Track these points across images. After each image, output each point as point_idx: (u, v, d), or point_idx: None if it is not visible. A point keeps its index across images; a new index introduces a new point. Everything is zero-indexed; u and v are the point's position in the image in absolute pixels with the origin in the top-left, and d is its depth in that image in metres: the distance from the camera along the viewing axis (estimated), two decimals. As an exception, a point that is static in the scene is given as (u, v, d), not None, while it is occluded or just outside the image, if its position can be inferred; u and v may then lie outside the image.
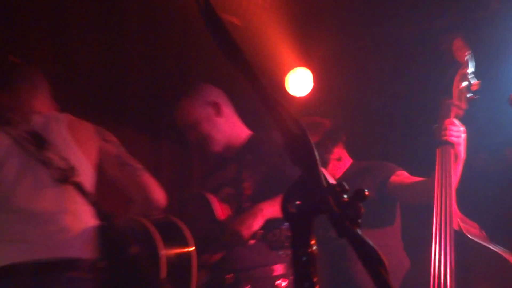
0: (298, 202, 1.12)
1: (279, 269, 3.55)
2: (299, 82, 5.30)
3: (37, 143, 3.08)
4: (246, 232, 3.40)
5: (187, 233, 3.34)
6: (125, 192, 3.49)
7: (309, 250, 1.13)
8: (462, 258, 3.26)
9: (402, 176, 3.86)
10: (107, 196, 3.47)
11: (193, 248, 3.24)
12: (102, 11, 5.05)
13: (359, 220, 1.02)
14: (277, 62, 5.23)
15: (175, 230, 3.31)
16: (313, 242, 1.13)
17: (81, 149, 3.26)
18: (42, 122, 3.24)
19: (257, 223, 3.42)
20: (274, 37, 5.04)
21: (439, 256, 3.25)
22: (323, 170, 1.16)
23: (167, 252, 3.14)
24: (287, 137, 1.17)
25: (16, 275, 3.01)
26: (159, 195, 3.36)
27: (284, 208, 1.13)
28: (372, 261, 1.03)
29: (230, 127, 3.82)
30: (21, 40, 4.50)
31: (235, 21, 5.17)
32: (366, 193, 1.02)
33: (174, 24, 5.33)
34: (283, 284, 3.51)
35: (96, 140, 3.35)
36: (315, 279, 1.13)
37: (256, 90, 1.24)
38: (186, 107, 3.80)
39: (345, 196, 1.04)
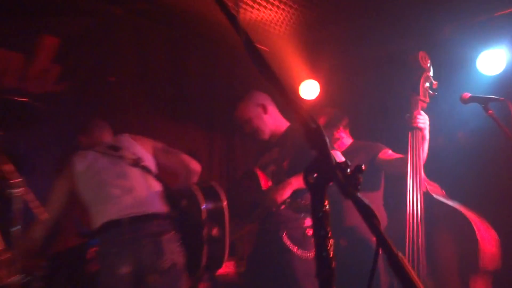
0: (315, 175, 1.15)
1: (308, 222, 3.57)
2: (309, 89, 5.36)
3: (115, 149, 3.45)
4: (278, 199, 3.47)
5: (221, 192, 3.51)
6: (172, 170, 3.65)
7: (324, 209, 1.14)
8: (429, 215, 3.28)
9: (387, 154, 3.89)
10: (162, 174, 3.59)
11: (225, 202, 3.47)
12: (174, 40, 5.14)
13: (359, 187, 1.08)
14: (293, 75, 5.27)
15: (212, 191, 3.53)
16: (326, 203, 1.14)
17: (143, 147, 3.56)
18: (113, 140, 3.58)
19: (286, 193, 3.48)
20: (290, 58, 5.08)
21: (412, 213, 3.27)
22: (332, 152, 1.19)
23: (206, 205, 3.40)
24: (306, 129, 1.18)
25: (117, 226, 3.25)
26: (195, 165, 3.63)
27: (305, 179, 1.15)
28: (368, 215, 1.05)
29: (273, 121, 3.87)
30: (116, 64, 4.65)
31: (263, 48, 5.16)
32: (363, 167, 1.09)
33: (229, 51, 5.33)
34: (310, 231, 3.54)
35: (149, 142, 3.64)
36: (328, 229, 1.13)
37: (283, 96, 1.26)
38: (242, 108, 3.89)
39: (348, 170, 1.09)
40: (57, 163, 3.81)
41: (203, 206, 3.37)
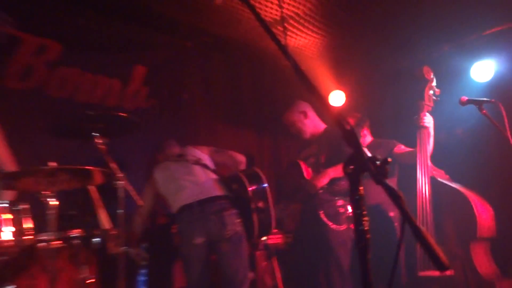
0: (351, 167, 1.14)
1: (340, 202, 3.59)
2: (336, 98, 5.27)
3: (181, 156, 3.55)
4: (318, 185, 3.52)
5: (263, 176, 3.51)
6: (224, 163, 3.71)
7: (359, 193, 1.13)
8: (435, 195, 3.28)
9: (400, 148, 3.85)
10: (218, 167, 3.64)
11: (266, 185, 3.47)
12: (231, 64, 5.16)
13: (387, 175, 1.06)
14: (323, 87, 5.13)
15: (255, 174, 3.54)
16: (361, 188, 1.13)
17: (201, 151, 3.64)
18: (180, 150, 3.66)
19: (324, 181, 3.52)
20: (320, 73, 5.02)
21: (421, 194, 3.28)
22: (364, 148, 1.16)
23: (251, 185, 3.43)
24: (342, 130, 1.17)
25: (189, 208, 3.32)
26: (240, 157, 3.74)
27: (344, 170, 1.14)
28: (395, 196, 1.04)
29: (313, 124, 3.86)
30: (188, 85, 4.73)
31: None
32: (389, 160, 1.07)
33: (273, 70, 5.37)
34: (343, 212, 3.56)
35: (205, 147, 3.73)
36: (363, 208, 1.12)
37: (322, 104, 1.28)
38: (288, 114, 3.92)
39: (377, 162, 1.08)
40: (147, 162, 3.89)
41: (249, 187, 3.41)
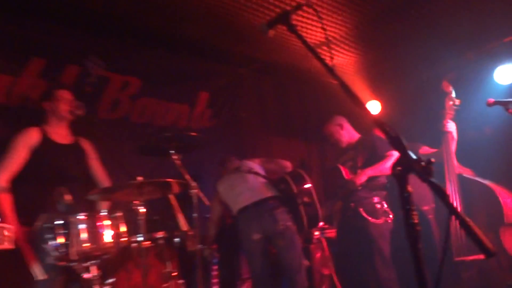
0: (399, 168, 1.11)
1: (376, 199, 3.58)
2: (373, 107, 5.16)
3: (238, 168, 3.62)
4: (358, 182, 3.51)
5: (307, 176, 3.52)
6: (273, 170, 3.74)
7: (407, 191, 1.09)
8: (463, 190, 3.28)
9: (425, 149, 3.82)
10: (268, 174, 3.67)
11: (310, 185, 3.45)
12: (280, 84, 5.14)
13: (432, 174, 1.03)
14: (360, 98, 5.08)
15: (299, 175, 3.55)
16: (409, 186, 1.08)
17: (254, 162, 3.70)
18: (237, 164, 3.70)
19: (363, 178, 3.51)
20: (358, 86, 4.94)
21: (450, 190, 3.31)
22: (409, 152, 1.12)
23: (296, 184, 3.43)
24: (389, 137, 1.15)
25: (246, 210, 3.39)
26: (287, 164, 3.78)
27: (393, 170, 1.10)
28: (441, 193, 1.02)
29: (348, 135, 3.90)
30: (244, 105, 4.76)
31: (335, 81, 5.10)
32: (433, 160, 1.03)
33: (317, 87, 5.31)
34: (379, 208, 3.56)
35: (257, 159, 3.79)
36: (412, 204, 1.08)
37: (365, 112, 1.29)
38: (327, 127, 3.96)
39: (423, 162, 1.05)
40: (214, 173, 3.95)
41: (294, 185, 3.44)
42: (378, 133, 3.80)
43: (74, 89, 3.31)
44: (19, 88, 3.22)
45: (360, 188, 3.54)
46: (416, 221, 1.06)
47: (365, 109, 1.31)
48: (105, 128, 3.67)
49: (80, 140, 3.09)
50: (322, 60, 1.48)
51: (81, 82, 3.50)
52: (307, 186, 3.46)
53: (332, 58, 1.46)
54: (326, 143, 5.16)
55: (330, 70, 1.40)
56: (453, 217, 0.98)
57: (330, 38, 4.20)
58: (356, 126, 4.06)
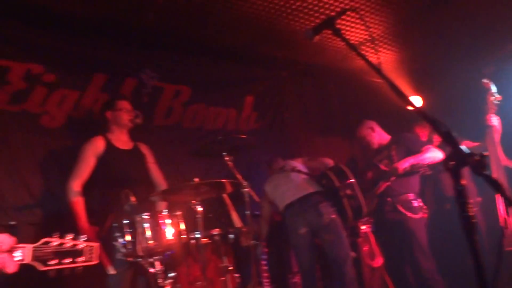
0: (452, 162, 1.08)
1: (411, 196, 3.54)
2: (416, 103, 5.02)
3: (282, 168, 3.61)
4: (400, 168, 3.46)
5: (347, 169, 3.46)
6: (316, 168, 3.70)
7: (461, 184, 1.07)
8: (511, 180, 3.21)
9: (467, 143, 3.76)
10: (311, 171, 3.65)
11: (353, 180, 3.39)
12: (320, 85, 5.12)
13: (486, 168, 1.00)
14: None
15: (340, 169, 3.50)
16: (463, 181, 1.06)
17: (297, 162, 3.68)
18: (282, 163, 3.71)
19: (406, 164, 3.46)
20: (400, 82, 4.82)
21: None
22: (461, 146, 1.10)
23: (339, 182, 3.40)
24: (440, 133, 1.13)
25: (291, 206, 3.39)
26: (329, 161, 3.74)
27: (445, 165, 1.08)
28: (497, 186, 1.00)
29: (379, 137, 3.87)
30: (287, 106, 4.72)
31: (377, 80, 4.96)
32: (486, 153, 1.00)
33: (357, 86, 5.27)
34: (416, 204, 3.52)
35: (300, 158, 3.76)
36: (466, 197, 1.06)
37: (418, 112, 1.25)
38: (359, 130, 3.94)
39: (476, 156, 1.03)
40: (262, 172, 4.00)
41: (336, 180, 3.41)
42: (409, 133, 3.81)
43: (132, 99, 3.48)
44: (85, 102, 3.42)
45: (393, 178, 3.51)
46: (471, 213, 1.04)
47: (412, 105, 1.29)
48: (160, 134, 3.80)
49: (139, 145, 3.22)
50: (367, 60, 1.46)
51: (138, 93, 3.66)
52: (349, 180, 3.43)
53: (377, 56, 1.45)
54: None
55: (376, 68, 1.37)
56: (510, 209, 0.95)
57: (367, 37, 4.12)
58: (387, 128, 4.02)
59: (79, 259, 1.29)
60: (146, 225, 2.48)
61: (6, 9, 3.05)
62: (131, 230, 2.48)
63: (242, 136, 3.12)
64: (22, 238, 2.90)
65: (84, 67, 3.46)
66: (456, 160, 1.09)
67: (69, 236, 1.30)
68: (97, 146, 2.98)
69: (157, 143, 3.70)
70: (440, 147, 3.87)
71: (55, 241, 1.27)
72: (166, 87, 3.85)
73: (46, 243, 1.25)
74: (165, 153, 3.71)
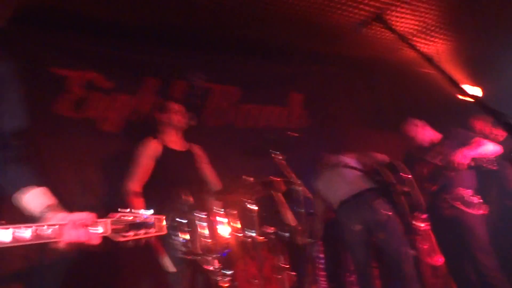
0: None
1: (470, 192, 3.43)
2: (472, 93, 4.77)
3: (335, 164, 3.54)
4: (459, 162, 3.36)
5: (404, 167, 3.34)
6: (368, 163, 3.55)
7: None
8: None
9: None
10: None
11: (411, 176, 3.26)
12: (368, 78, 5.03)
13: None
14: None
15: (393, 165, 3.38)
16: None
17: (348, 157, 3.59)
18: (333, 159, 3.61)
19: (465, 158, 3.37)
20: (455, 73, 4.62)
21: None
22: None
23: (395, 178, 3.27)
24: (501, 122, 1.11)
25: (346, 203, 3.35)
26: (383, 156, 3.57)
27: (508, 157, 1.01)
28: None
29: (429, 136, 3.77)
30: (335, 102, 4.65)
31: (429, 71, 4.78)
32: None
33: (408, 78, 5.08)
34: (475, 200, 3.42)
35: (351, 154, 3.64)
36: None
37: (476, 101, 1.22)
38: (407, 129, 3.87)
39: None
40: (314, 171, 3.89)
41: (391, 176, 3.29)
42: (460, 128, 3.64)
43: (183, 101, 3.56)
44: (140, 106, 3.57)
45: (461, 167, 3.39)
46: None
47: (470, 95, 1.27)
48: (213, 134, 3.86)
49: (192, 147, 3.28)
50: (419, 51, 1.42)
51: (189, 95, 3.74)
52: (405, 176, 3.32)
53: (430, 46, 1.39)
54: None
55: (428, 59, 1.32)
56: None
57: (420, 27, 3.97)
58: (440, 121, 3.93)
59: (151, 230, 1.40)
60: (203, 223, 2.53)
61: (63, 21, 3.24)
62: (189, 229, 2.54)
63: (294, 134, 3.09)
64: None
65: (137, 73, 3.61)
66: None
67: (139, 210, 1.42)
68: (154, 148, 3.08)
69: (210, 144, 3.76)
70: (501, 142, 3.71)
71: (128, 215, 1.39)
72: (216, 88, 3.91)
73: (121, 217, 1.37)
74: (218, 153, 3.75)
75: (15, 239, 1.19)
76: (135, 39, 3.58)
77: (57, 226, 1.26)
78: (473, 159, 3.44)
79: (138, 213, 1.41)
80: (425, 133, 3.78)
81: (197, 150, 3.31)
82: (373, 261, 3.33)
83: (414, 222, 3.52)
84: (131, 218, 1.38)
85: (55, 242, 1.27)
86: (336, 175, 3.51)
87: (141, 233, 1.39)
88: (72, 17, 3.24)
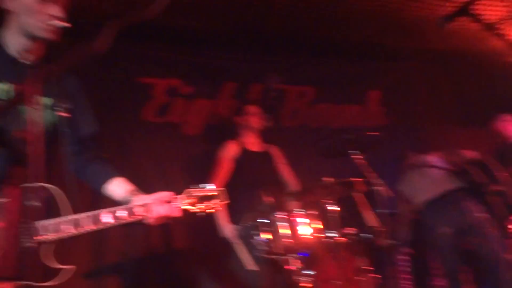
0: None
1: None
2: None
3: (422, 164, 3.35)
4: None
5: (495, 164, 3.12)
6: (456, 162, 3.32)
7: None
8: None
9: None
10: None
11: (506, 173, 3.00)
12: (451, 72, 4.74)
13: None
14: None
15: (486, 164, 3.14)
16: None
17: (434, 157, 3.40)
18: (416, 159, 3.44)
19: None
20: None
21: None
22: None
23: (486, 177, 3.04)
24: None
25: (431, 203, 3.15)
26: (472, 153, 3.31)
27: None
28: None
29: None
30: (415, 99, 4.45)
31: None
32: None
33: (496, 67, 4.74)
34: None
35: (437, 153, 3.42)
36: None
37: None
38: (495, 125, 3.70)
39: None
40: (395, 170, 3.73)
41: (481, 175, 3.06)
42: None
43: (260, 103, 3.63)
44: (219, 109, 3.72)
45: None
46: None
47: None
48: (289, 135, 3.89)
49: (270, 148, 3.33)
50: (508, 40, 1.30)
51: (265, 97, 3.80)
52: (497, 174, 3.09)
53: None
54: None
55: None
56: None
57: (507, 16, 3.66)
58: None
59: (216, 200, 1.58)
60: (284, 223, 2.55)
61: (145, 32, 3.40)
62: (270, 229, 2.58)
63: (372, 133, 3.01)
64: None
65: (216, 77, 3.77)
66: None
67: (204, 185, 1.61)
68: (233, 150, 3.18)
69: (286, 144, 3.80)
70: None
71: (198, 190, 1.58)
72: (290, 89, 3.94)
73: (193, 192, 1.58)
74: (295, 153, 3.77)
75: (117, 219, 1.46)
76: (213, 45, 3.73)
77: (145, 205, 1.50)
78: None
79: (205, 187, 1.60)
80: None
81: (275, 151, 3.35)
82: (465, 266, 3.13)
83: (510, 226, 3.27)
84: (201, 192, 1.58)
85: (146, 218, 1.50)
86: (421, 175, 3.36)
87: (211, 204, 1.57)
88: (155, 28, 3.41)
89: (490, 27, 1.46)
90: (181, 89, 3.64)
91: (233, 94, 3.76)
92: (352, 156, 2.90)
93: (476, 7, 3.30)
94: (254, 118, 3.26)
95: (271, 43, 3.87)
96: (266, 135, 3.37)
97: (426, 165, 3.35)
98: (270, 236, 2.57)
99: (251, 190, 2.94)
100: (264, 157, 3.25)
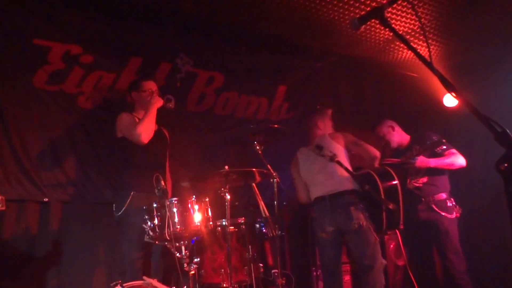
0: (506, 164, 1.01)
1: (445, 195, 3.48)
2: (450, 100, 4.67)
3: (319, 148, 3.24)
4: (420, 162, 3.43)
5: (393, 173, 3.09)
6: (360, 155, 3.28)
7: None
8: None
9: None
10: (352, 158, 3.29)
11: (397, 181, 3.05)
12: (353, 76, 4.90)
13: None
14: (438, 90, 4.51)
15: (386, 173, 3.11)
16: None
17: (338, 143, 3.27)
18: (318, 139, 3.35)
19: (424, 163, 3.44)
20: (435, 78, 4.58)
21: None
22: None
23: (383, 185, 3.00)
24: (494, 132, 1.06)
25: (322, 200, 3.15)
26: (376, 153, 3.22)
27: (497, 168, 1.02)
28: None
29: (399, 136, 3.74)
30: (318, 97, 4.49)
31: (414, 74, 4.79)
32: None
33: (394, 78, 5.06)
34: (449, 203, 3.46)
35: (343, 137, 3.32)
36: None
37: (469, 107, 1.13)
38: (379, 129, 3.78)
39: None
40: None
41: (381, 188, 2.99)
42: (430, 132, 3.61)
43: (166, 84, 3.43)
44: (120, 84, 3.42)
45: (417, 168, 3.44)
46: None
47: (466, 102, 1.16)
48: (192, 119, 3.76)
49: (162, 129, 3.18)
50: (417, 52, 1.33)
51: (172, 78, 3.63)
52: (394, 187, 3.07)
53: (429, 47, 1.30)
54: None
55: (427, 61, 1.26)
56: None
57: (407, 30, 3.92)
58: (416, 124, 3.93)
59: None
60: (174, 209, 2.45)
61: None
62: (159, 214, 2.46)
63: (276, 125, 2.98)
64: (52, 215, 3.04)
65: (121, 50, 3.46)
66: (509, 162, 1.02)
67: None
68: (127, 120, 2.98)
69: (189, 129, 3.70)
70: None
71: None
72: (200, 73, 3.80)
73: None
74: (196, 139, 3.70)
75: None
76: (123, 16, 3.43)
77: None
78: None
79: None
80: (396, 135, 3.73)
81: (166, 133, 3.23)
82: (338, 262, 3.24)
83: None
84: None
85: None
86: (318, 167, 3.24)
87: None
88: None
89: (402, 38, 1.46)
90: (80, 57, 3.27)
91: (138, 70, 3.48)
92: (251, 146, 2.87)
93: (389, 15, 3.48)
94: (148, 96, 3.03)
95: (185, 23, 3.68)
96: (168, 118, 3.21)
97: (329, 157, 3.18)
98: (160, 222, 2.45)
99: (147, 169, 2.81)
100: (156, 136, 3.03)
